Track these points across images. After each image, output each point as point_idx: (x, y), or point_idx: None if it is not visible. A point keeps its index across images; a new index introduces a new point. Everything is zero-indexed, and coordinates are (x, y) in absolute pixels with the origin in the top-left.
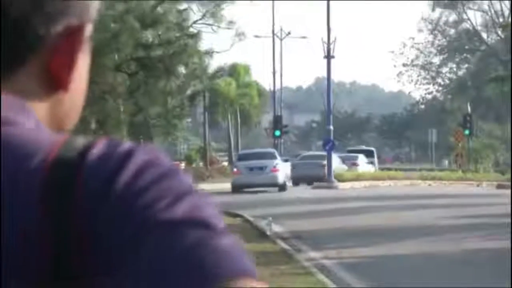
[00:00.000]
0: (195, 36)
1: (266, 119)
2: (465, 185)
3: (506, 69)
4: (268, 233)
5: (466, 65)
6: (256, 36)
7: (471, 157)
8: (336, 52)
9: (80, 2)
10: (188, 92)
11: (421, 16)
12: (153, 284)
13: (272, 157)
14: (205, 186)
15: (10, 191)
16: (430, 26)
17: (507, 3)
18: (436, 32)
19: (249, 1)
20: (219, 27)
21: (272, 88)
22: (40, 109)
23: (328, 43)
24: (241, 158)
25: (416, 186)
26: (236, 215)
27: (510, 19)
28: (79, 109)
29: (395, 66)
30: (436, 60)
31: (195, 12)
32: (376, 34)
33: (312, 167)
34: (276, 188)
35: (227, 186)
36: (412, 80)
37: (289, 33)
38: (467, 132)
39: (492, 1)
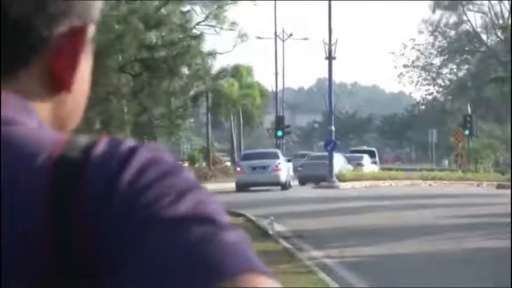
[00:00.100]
0: (198, 38)
1: (268, 120)
2: (465, 185)
3: (506, 70)
4: (270, 232)
5: (466, 66)
6: (258, 38)
7: (471, 157)
8: (338, 53)
9: (82, 2)
10: (191, 92)
11: (422, 18)
12: (158, 281)
13: (275, 157)
14: (208, 186)
15: (13, 190)
16: (430, 28)
17: (507, 4)
18: (436, 33)
19: (251, 3)
20: (221, 28)
21: (274, 89)
22: (42, 109)
23: (330, 45)
24: (245, 157)
25: (417, 186)
26: (239, 215)
27: (509, 21)
28: (81, 110)
29: (395, 67)
30: (437, 61)
31: (198, 13)
32: (377, 36)
33: (319, 167)
34: (279, 187)
35: (229, 185)
36: (412, 81)
37: (291, 34)
38: (467, 132)
39: (492, 3)
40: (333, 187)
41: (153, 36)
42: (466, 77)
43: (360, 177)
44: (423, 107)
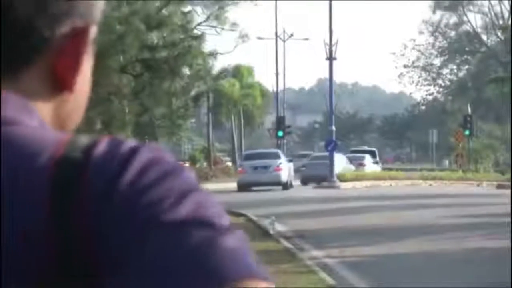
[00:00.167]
0: (199, 38)
1: (269, 120)
2: (466, 185)
3: (505, 70)
4: (271, 232)
5: (467, 67)
6: (259, 38)
7: (471, 157)
8: (338, 53)
9: (84, 3)
10: (192, 93)
11: (422, 18)
12: (157, 283)
13: (276, 157)
14: (209, 186)
15: (14, 190)
16: (431, 28)
17: (507, 5)
18: (436, 34)
19: (252, 3)
20: (222, 29)
21: (275, 89)
22: (44, 109)
23: (330, 45)
24: (247, 158)
25: (417, 186)
26: (240, 214)
27: (509, 21)
28: (82, 110)
29: (396, 67)
30: (437, 61)
31: (199, 14)
32: (378, 36)
33: (321, 167)
34: (280, 187)
35: (230, 185)
36: (413, 82)
37: (291, 35)
38: (467, 132)
39: (492, 4)
40: (334, 187)
41: (154, 37)
42: (466, 77)
43: (361, 177)
44: (423, 107)
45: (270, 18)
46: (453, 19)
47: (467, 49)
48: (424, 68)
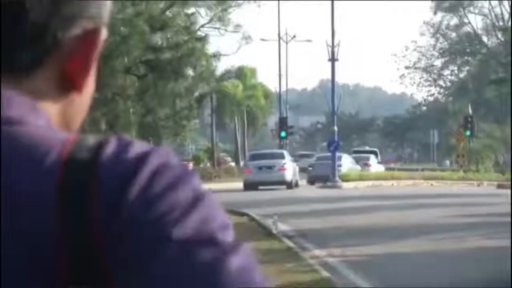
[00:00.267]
0: (203, 40)
1: (272, 120)
2: (466, 185)
3: (506, 71)
4: (274, 231)
5: (467, 68)
6: (262, 40)
7: (472, 158)
8: (340, 55)
9: (94, 4)
10: (196, 94)
11: (423, 20)
12: None
13: (281, 157)
14: (212, 186)
15: (23, 192)
16: (432, 30)
17: (507, 7)
18: (437, 35)
19: (255, 5)
20: (226, 30)
21: (277, 90)
22: (51, 109)
23: (333, 46)
24: (252, 158)
25: (419, 186)
26: (243, 214)
27: (510, 23)
28: (86, 110)
29: (397, 68)
30: (438, 62)
31: (203, 16)
32: (379, 38)
33: (327, 167)
34: (285, 186)
35: (234, 185)
36: (414, 83)
37: (294, 36)
38: (468, 133)
39: (493, 5)
40: (337, 187)
41: (158, 38)
42: (467, 78)
43: (363, 177)
44: (424, 108)
45: (273, 20)
46: (454, 20)
47: (467, 50)
48: (425, 69)
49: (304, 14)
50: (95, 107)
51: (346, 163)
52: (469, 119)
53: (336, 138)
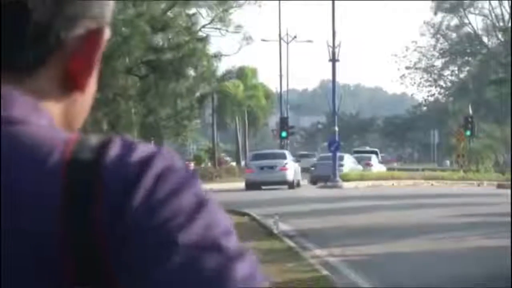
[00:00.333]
0: (204, 40)
1: (273, 121)
2: (467, 184)
3: (506, 71)
4: (274, 231)
5: (467, 68)
6: (263, 40)
7: (472, 158)
8: (341, 55)
9: (97, 4)
10: (197, 94)
11: (424, 20)
12: None
13: (283, 157)
14: (213, 186)
15: (25, 191)
16: (432, 30)
17: (508, 7)
18: (438, 36)
19: (256, 6)
20: (227, 31)
21: (278, 90)
22: (54, 109)
23: (333, 47)
24: (254, 158)
25: (419, 186)
26: (244, 214)
27: (510, 23)
28: (87, 110)
29: (398, 69)
30: (438, 63)
31: (204, 16)
32: (380, 38)
33: (330, 167)
34: (286, 186)
35: (235, 185)
36: (415, 83)
37: (295, 37)
38: (468, 133)
39: (493, 6)
40: (337, 187)
41: (159, 39)
42: (467, 78)
43: (364, 177)
44: (425, 108)
45: (274, 20)
46: (454, 21)
47: (468, 50)
48: (425, 70)
49: (304, 14)
50: (96, 107)
51: (348, 163)
52: (469, 119)
53: (336, 138)
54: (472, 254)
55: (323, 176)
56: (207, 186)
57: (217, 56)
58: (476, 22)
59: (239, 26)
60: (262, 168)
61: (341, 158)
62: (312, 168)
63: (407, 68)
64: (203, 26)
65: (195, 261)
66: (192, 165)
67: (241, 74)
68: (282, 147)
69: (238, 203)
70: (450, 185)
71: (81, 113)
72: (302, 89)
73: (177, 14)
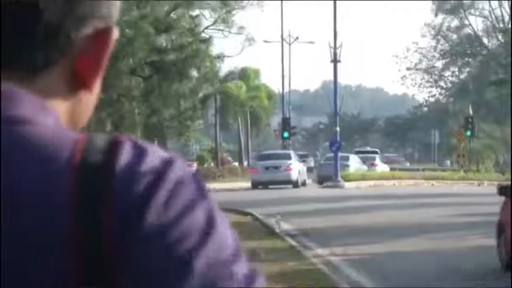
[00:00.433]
0: (207, 41)
1: (275, 121)
2: (467, 184)
3: (506, 72)
4: (277, 230)
5: (468, 69)
6: (266, 41)
7: (472, 158)
8: (343, 56)
9: (105, 4)
10: (200, 95)
11: (424, 22)
12: None
13: (288, 157)
14: (216, 185)
15: (35, 192)
16: (433, 32)
17: (508, 9)
18: (438, 37)
19: (259, 8)
20: (230, 32)
21: (280, 91)
22: (60, 108)
23: (335, 48)
24: (260, 158)
25: (420, 186)
26: (247, 213)
27: (510, 25)
28: (92, 109)
29: (399, 70)
30: (439, 64)
31: (207, 18)
32: (381, 39)
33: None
34: (291, 186)
35: (237, 185)
36: (415, 84)
37: (297, 38)
38: (468, 133)
39: (493, 7)
40: (339, 187)
41: (163, 40)
42: (468, 79)
43: (365, 177)
44: (425, 108)
45: (276, 21)
46: (455, 22)
47: (468, 52)
48: (426, 71)
49: (306, 16)
50: (101, 108)
51: (354, 163)
52: (470, 119)
53: (338, 139)
54: (472, 253)
55: (328, 176)
56: (210, 185)
57: (220, 57)
58: (476, 23)
59: (241, 28)
60: (267, 168)
61: (347, 159)
62: (319, 168)
63: (408, 69)
64: (206, 28)
65: (207, 285)
66: (195, 165)
67: (244, 75)
68: (284, 147)
69: (241, 203)
70: (451, 185)
71: (86, 111)
72: (304, 90)
73: (181, 16)
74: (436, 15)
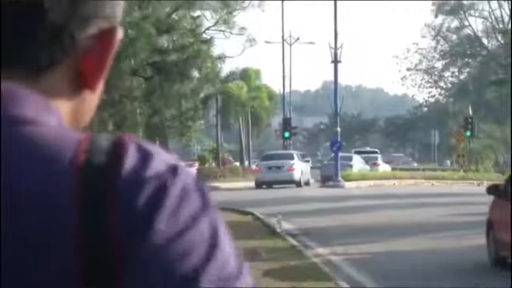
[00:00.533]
0: (208, 42)
1: (276, 121)
2: (467, 184)
3: (505, 73)
4: (278, 230)
5: (468, 70)
6: (267, 42)
7: (472, 158)
8: (343, 57)
9: (109, 4)
10: (202, 95)
11: (424, 23)
12: None
13: (290, 158)
14: (218, 185)
15: (37, 192)
16: (433, 32)
17: (507, 10)
18: (438, 37)
19: (259, 9)
20: (231, 33)
21: (281, 92)
22: (64, 108)
23: (335, 48)
24: (264, 158)
25: (420, 186)
26: (248, 213)
27: (509, 25)
28: (94, 109)
29: (399, 70)
30: (439, 64)
31: (208, 19)
32: (381, 40)
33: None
34: (294, 185)
35: (238, 185)
36: (415, 84)
37: (297, 39)
38: (468, 133)
39: (493, 8)
40: (339, 187)
41: (164, 41)
42: (467, 80)
43: (365, 177)
44: (425, 109)
45: (277, 22)
46: (455, 23)
47: (468, 52)
48: (426, 71)
49: (307, 16)
50: (102, 108)
51: (357, 163)
52: (469, 119)
53: (339, 139)
54: (472, 253)
55: (331, 176)
56: (211, 185)
57: (221, 57)
58: (476, 24)
59: (242, 28)
60: (270, 168)
61: (350, 159)
62: (323, 168)
63: (408, 69)
64: (208, 28)
65: None
66: (196, 165)
67: (245, 75)
68: (285, 148)
69: (242, 202)
70: (451, 185)
71: (88, 111)
72: (305, 90)
73: (182, 17)
74: (436, 16)
